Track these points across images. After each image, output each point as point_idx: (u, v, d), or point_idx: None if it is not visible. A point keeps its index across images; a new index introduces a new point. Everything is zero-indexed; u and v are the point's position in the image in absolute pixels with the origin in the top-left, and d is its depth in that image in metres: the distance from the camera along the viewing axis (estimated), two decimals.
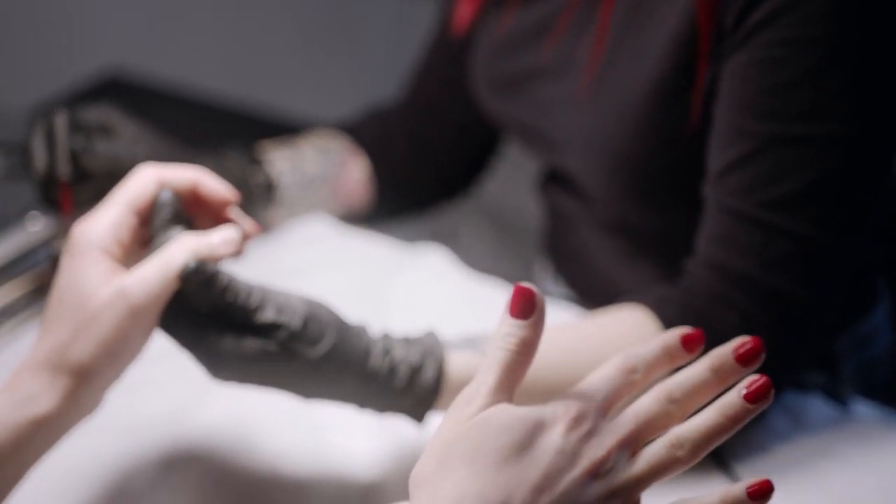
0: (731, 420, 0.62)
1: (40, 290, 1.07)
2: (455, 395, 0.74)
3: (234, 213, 0.85)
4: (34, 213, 1.14)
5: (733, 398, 0.62)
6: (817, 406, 1.01)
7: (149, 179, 0.81)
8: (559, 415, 0.61)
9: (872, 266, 1.16)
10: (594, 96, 1.05)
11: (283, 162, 1.15)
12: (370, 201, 1.26)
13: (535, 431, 0.60)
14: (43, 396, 0.74)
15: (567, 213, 1.20)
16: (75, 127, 1.00)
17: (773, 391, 0.62)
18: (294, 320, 0.78)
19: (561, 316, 1.09)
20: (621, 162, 1.04)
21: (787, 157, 0.91)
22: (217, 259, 0.78)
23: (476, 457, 0.59)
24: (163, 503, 0.86)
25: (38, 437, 0.74)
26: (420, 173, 1.28)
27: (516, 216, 1.83)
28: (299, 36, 2.62)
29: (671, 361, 0.66)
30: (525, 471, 0.59)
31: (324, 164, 1.19)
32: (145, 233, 0.81)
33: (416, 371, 0.82)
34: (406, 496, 0.61)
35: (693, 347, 0.67)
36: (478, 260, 1.26)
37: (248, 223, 0.85)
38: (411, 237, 1.28)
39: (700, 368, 0.64)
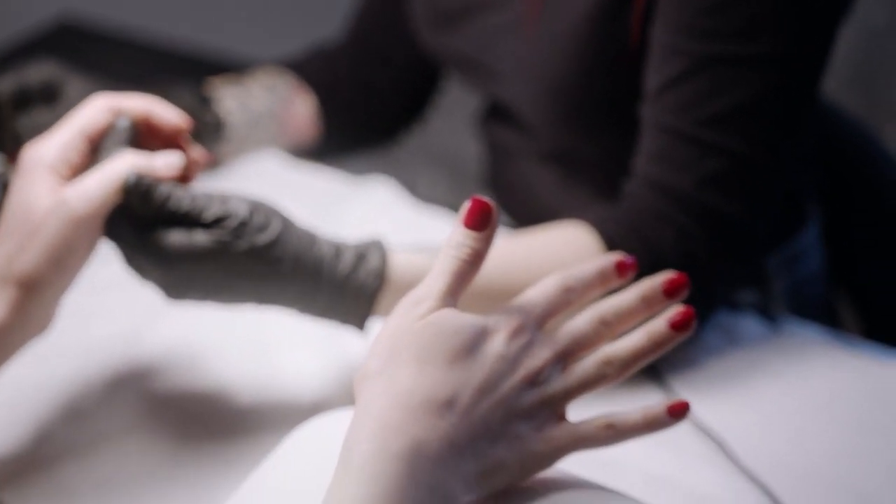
0: (657, 344, 0.67)
1: None
2: (397, 293, 0.78)
3: (185, 141, 0.87)
4: None
5: (660, 325, 0.67)
6: (749, 324, 1.05)
7: (101, 107, 0.83)
8: (501, 325, 0.65)
9: (804, 188, 1.20)
10: (536, 23, 1.07)
11: (231, 100, 1.17)
12: (317, 136, 1.28)
13: (480, 337, 0.63)
14: None
15: (507, 147, 1.23)
16: (20, 99, 1.01)
17: (695, 322, 0.68)
18: (241, 210, 0.80)
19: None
20: (562, 87, 1.06)
21: (723, 75, 0.94)
22: (157, 178, 0.80)
23: (426, 356, 0.62)
24: (113, 422, 0.88)
25: None
26: (365, 110, 1.31)
27: (458, 150, 1.85)
28: None
29: (605, 284, 0.71)
30: (470, 372, 0.62)
31: (270, 101, 1.21)
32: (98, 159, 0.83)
33: (361, 257, 0.85)
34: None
35: (626, 273, 0.71)
36: (424, 192, 1.29)
37: (198, 151, 0.87)
38: (359, 170, 1.31)
39: (631, 295, 0.69)
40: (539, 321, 0.67)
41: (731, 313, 1.06)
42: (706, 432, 0.90)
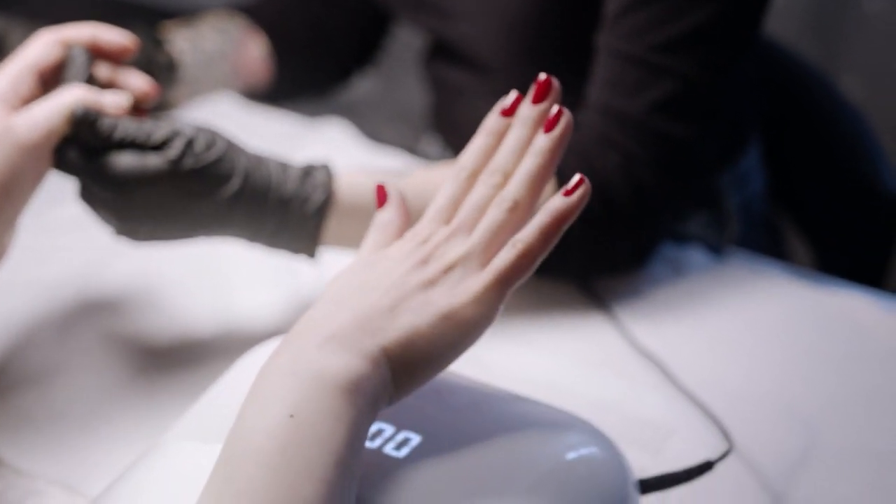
0: (547, 161, 0.66)
1: None
2: (345, 213, 0.82)
3: (134, 74, 0.89)
4: None
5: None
6: (695, 256, 1.07)
7: (48, 40, 0.84)
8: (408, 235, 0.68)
9: (746, 114, 1.24)
10: None
11: (183, 41, 1.18)
12: (270, 78, 1.29)
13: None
14: None
15: (454, 86, 1.24)
16: None
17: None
18: (187, 129, 0.82)
19: None
20: (521, 24, 1.08)
21: (674, 1, 0.96)
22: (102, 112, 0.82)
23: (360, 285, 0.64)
24: (69, 353, 0.90)
25: None
26: (315, 52, 1.32)
27: (407, 91, 1.87)
28: None
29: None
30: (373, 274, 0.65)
31: (222, 42, 1.22)
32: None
33: (307, 173, 0.86)
34: None
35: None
36: (376, 132, 1.30)
37: (146, 81, 0.89)
38: (313, 112, 1.32)
39: (509, 138, 0.69)
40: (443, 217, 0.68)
41: (678, 246, 1.08)
42: (651, 359, 0.93)
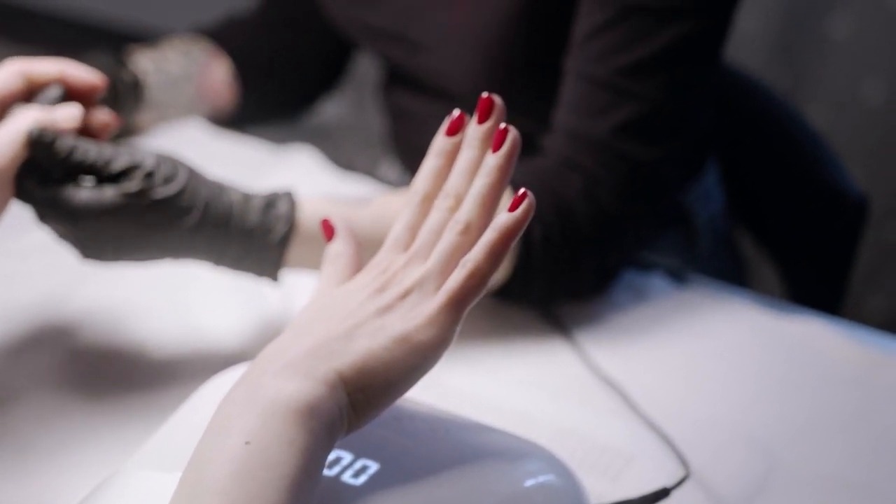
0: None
1: None
2: (307, 241, 0.83)
3: (99, 108, 0.88)
4: None
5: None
6: (658, 283, 1.08)
7: (14, 70, 0.84)
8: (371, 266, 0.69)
9: (707, 135, 1.26)
10: None
11: (147, 62, 1.18)
12: (235, 102, 1.30)
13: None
14: None
15: (415, 113, 1.25)
16: None
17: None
18: (147, 161, 0.81)
19: None
20: (491, 53, 1.09)
21: (642, 24, 0.97)
22: (59, 131, 0.81)
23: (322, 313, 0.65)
24: (32, 378, 0.89)
25: None
26: (279, 76, 1.32)
27: (374, 115, 1.88)
28: None
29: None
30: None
31: (186, 65, 1.22)
32: None
33: (270, 204, 0.86)
34: None
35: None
36: (345, 157, 1.31)
37: (108, 113, 0.88)
38: (280, 138, 1.33)
39: (458, 162, 0.70)
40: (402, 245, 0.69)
41: (641, 272, 1.09)
42: (612, 385, 0.93)
